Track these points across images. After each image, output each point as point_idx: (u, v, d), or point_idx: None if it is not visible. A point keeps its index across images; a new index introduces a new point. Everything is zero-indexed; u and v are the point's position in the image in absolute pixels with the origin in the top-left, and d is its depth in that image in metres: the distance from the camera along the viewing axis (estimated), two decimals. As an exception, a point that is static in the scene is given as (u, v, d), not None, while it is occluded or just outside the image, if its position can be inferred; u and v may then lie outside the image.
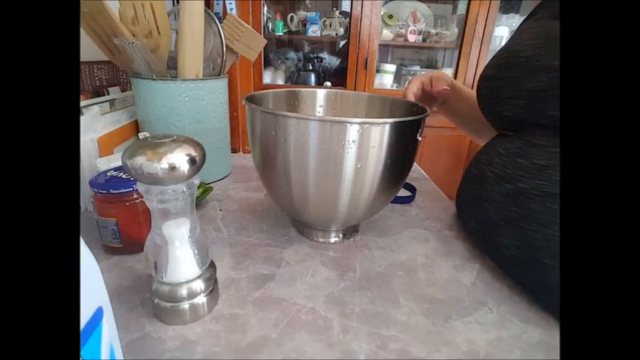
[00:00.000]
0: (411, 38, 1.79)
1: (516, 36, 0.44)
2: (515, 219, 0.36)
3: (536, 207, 0.34)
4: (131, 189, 0.38)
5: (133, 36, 0.51)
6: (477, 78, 0.46)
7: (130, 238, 0.39)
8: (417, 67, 1.90)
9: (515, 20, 1.76)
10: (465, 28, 1.73)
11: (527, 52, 0.38)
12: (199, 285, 0.31)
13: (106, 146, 0.51)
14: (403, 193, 0.61)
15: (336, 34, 1.77)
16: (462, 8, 1.80)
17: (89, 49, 0.57)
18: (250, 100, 0.41)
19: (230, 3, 0.71)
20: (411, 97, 0.54)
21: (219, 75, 0.60)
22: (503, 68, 0.41)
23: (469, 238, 0.48)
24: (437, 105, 0.60)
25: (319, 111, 0.56)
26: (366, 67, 1.73)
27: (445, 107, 0.61)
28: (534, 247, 0.35)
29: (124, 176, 0.39)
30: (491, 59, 0.44)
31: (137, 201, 0.38)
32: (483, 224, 0.42)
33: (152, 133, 0.56)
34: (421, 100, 0.57)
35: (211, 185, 0.58)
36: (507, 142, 0.40)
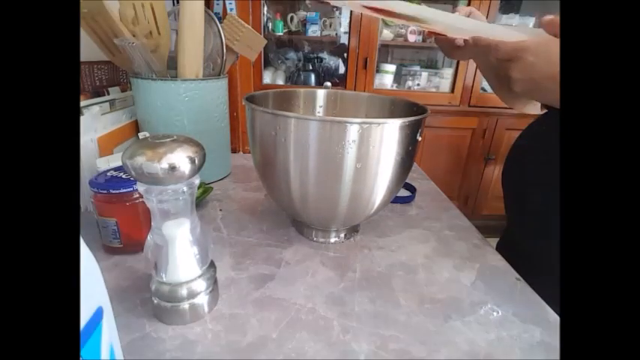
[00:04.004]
0: (411, 38, 1.78)
1: None
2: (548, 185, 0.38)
3: None
4: (131, 189, 0.38)
5: (133, 36, 0.51)
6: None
7: (130, 238, 0.39)
8: (417, 67, 1.89)
9: (515, 20, 1.75)
10: (464, 28, 1.72)
11: None
12: (199, 285, 0.31)
13: (106, 146, 0.51)
14: (403, 193, 0.61)
15: (336, 34, 1.77)
16: (461, 8, 1.80)
17: (89, 49, 0.57)
18: (250, 100, 0.41)
19: (230, 3, 0.71)
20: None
21: (219, 75, 0.60)
22: None
23: (505, 205, 0.54)
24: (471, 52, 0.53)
25: (319, 111, 0.56)
26: (366, 67, 1.73)
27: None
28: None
29: (124, 176, 0.39)
30: None
31: (137, 201, 0.38)
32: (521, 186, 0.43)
33: (152, 133, 0.56)
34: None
35: (211, 185, 0.58)
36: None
